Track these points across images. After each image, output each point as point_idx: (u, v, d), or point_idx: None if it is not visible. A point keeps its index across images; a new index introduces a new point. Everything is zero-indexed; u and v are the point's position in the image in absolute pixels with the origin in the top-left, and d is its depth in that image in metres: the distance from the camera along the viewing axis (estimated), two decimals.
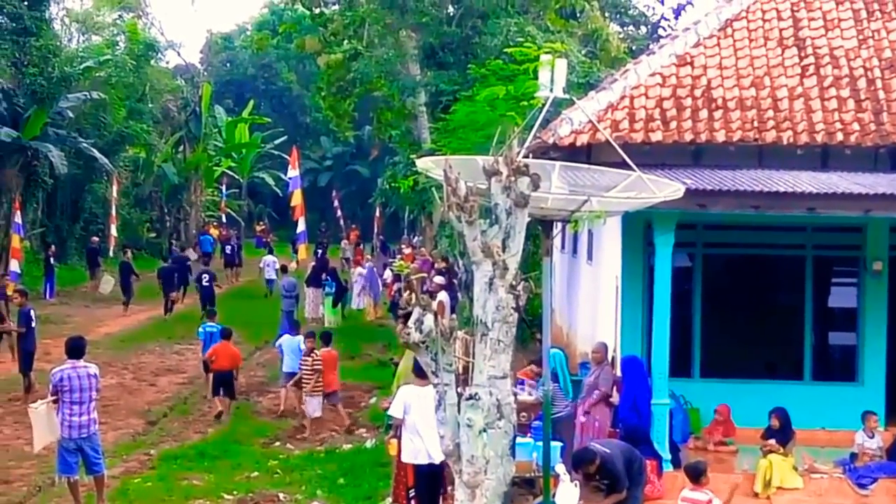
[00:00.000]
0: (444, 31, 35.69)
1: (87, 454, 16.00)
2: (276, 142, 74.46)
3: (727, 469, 16.85)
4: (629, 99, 19.30)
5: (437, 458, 13.49)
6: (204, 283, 37.66)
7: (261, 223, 75.15)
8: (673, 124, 18.83)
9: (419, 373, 13.72)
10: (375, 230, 66.02)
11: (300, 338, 24.04)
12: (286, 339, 24.44)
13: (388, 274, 40.32)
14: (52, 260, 44.56)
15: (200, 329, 26.47)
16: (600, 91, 20.18)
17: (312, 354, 21.90)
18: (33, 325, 25.14)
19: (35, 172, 47.48)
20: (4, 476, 18.44)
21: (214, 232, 65.43)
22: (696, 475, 13.03)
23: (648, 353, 17.15)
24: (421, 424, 13.84)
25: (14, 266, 39.00)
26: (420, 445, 14.02)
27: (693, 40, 20.61)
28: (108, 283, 45.19)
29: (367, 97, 46.83)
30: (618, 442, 14.54)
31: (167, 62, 72.67)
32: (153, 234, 66.07)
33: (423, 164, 14.17)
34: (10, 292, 29.11)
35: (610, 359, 17.78)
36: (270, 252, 50.59)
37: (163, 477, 18.35)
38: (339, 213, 68.52)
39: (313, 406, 21.72)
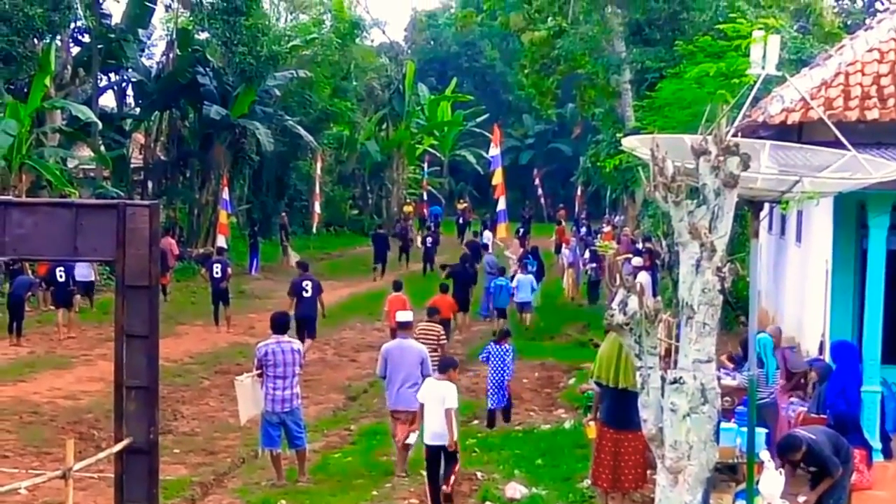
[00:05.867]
0: (651, 7, 35.19)
1: (290, 428, 16.24)
2: (478, 119, 74.44)
3: None
4: (844, 76, 18.63)
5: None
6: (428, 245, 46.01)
7: (462, 200, 75.59)
8: (891, 102, 18.07)
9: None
10: (577, 209, 65.81)
11: (530, 276, 31.16)
12: (519, 276, 31.03)
13: (588, 254, 40.00)
14: (258, 236, 45.51)
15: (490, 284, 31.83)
16: (814, 68, 19.57)
17: (439, 334, 20.93)
18: (305, 294, 26.11)
19: (242, 150, 48.74)
20: (210, 447, 18.89)
21: (409, 209, 66.01)
22: None
23: (859, 339, 16.56)
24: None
25: (221, 241, 39.96)
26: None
27: None
28: (294, 257, 46.22)
29: (571, 75, 46.50)
30: (824, 429, 14.10)
31: (372, 40, 73.75)
32: (355, 212, 67.05)
33: (628, 142, 13.92)
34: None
35: (819, 344, 17.27)
36: (486, 228, 51.05)
37: (362, 452, 18.53)
38: (539, 191, 68.43)
39: None
